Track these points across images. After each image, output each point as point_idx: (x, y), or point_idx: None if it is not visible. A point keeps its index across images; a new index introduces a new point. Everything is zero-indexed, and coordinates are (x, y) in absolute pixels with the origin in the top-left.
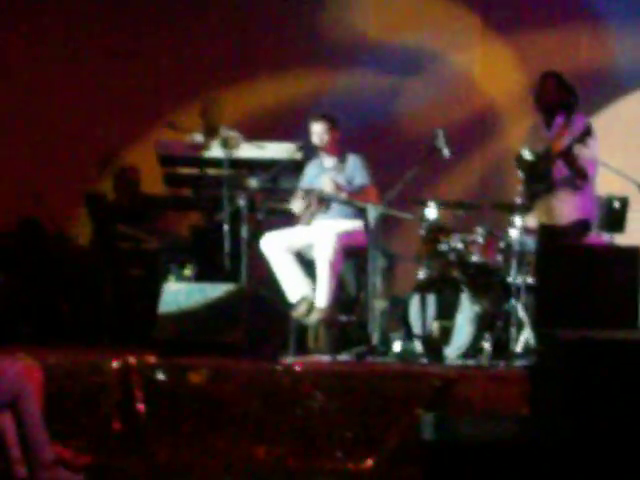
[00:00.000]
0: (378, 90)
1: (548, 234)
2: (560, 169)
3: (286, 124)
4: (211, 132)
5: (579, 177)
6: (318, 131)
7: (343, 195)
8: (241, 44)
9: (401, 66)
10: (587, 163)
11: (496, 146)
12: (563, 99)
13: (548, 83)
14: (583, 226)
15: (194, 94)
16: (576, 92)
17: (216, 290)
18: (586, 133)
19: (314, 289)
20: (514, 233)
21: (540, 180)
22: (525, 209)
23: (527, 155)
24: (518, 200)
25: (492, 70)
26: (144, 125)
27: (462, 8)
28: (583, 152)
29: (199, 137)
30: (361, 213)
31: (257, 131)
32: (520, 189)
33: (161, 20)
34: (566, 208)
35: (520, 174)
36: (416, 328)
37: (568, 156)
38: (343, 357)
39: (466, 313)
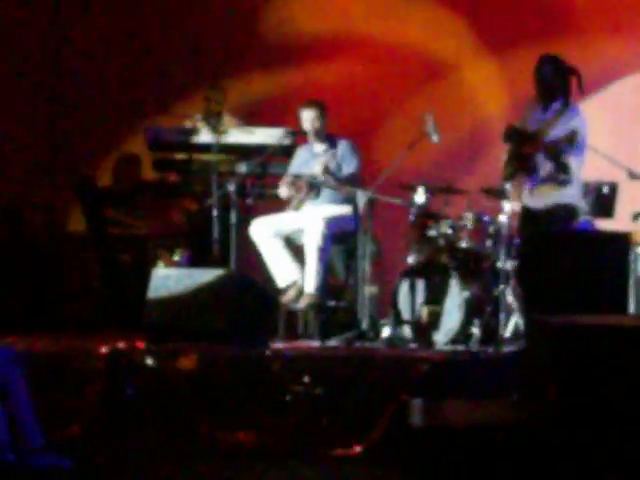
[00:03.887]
0: (365, 79)
1: (531, 218)
2: (543, 160)
3: (276, 114)
4: (212, 117)
5: (561, 172)
6: (308, 117)
7: (331, 179)
8: (230, 34)
9: (388, 55)
10: (572, 159)
11: (485, 130)
12: (560, 84)
13: (544, 68)
14: (568, 211)
15: (188, 82)
16: (577, 73)
17: (205, 275)
18: (572, 138)
19: (303, 274)
20: (503, 218)
21: (520, 162)
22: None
23: (518, 130)
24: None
25: (482, 56)
26: (136, 111)
27: (453, 24)
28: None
29: (190, 122)
30: (350, 198)
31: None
32: (503, 159)
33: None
34: (548, 193)
35: (506, 144)
36: (405, 313)
37: (553, 151)
38: (332, 342)
39: (455, 298)
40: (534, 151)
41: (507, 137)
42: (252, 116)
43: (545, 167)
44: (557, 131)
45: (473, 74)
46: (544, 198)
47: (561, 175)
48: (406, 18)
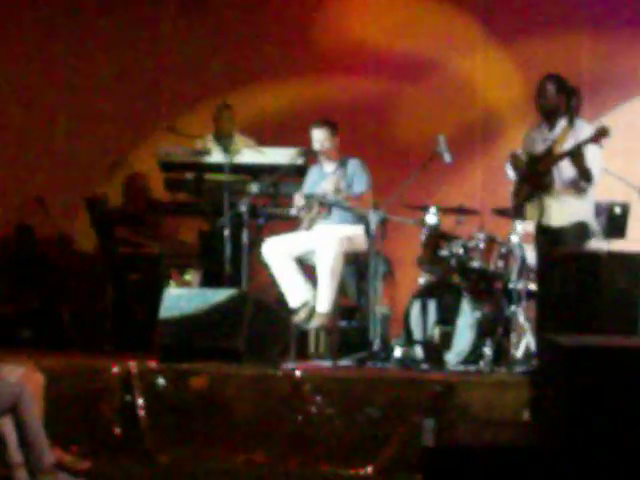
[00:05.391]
0: (377, 97)
1: (546, 235)
2: (563, 170)
3: (286, 131)
4: (223, 137)
5: (584, 179)
6: (319, 137)
7: (342, 196)
8: (242, 50)
9: (401, 73)
10: (593, 165)
11: (497, 151)
12: (564, 102)
13: (547, 87)
14: (582, 230)
15: (197, 100)
16: (578, 93)
17: (217, 295)
18: (602, 133)
19: (315, 294)
20: (515, 239)
21: (536, 181)
22: (517, 213)
23: (523, 156)
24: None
25: (493, 76)
26: (146, 130)
27: (464, 15)
28: (592, 153)
29: (201, 142)
30: (362, 218)
31: (258, 137)
32: (511, 189)
33: (163, 24)
34: (564, 209)
35: (512, 174)
36: (417, 333)
37: (577, 156)
38: (344, 362)
39: (467, 319)
40: (550, 166)
41: (514, 165)
42: (263, 135)
43: (568, 173)
44: (567, 145)
45: (491, 91)
46: (561, 216)
47: (583, 182)
48: (422, 34)
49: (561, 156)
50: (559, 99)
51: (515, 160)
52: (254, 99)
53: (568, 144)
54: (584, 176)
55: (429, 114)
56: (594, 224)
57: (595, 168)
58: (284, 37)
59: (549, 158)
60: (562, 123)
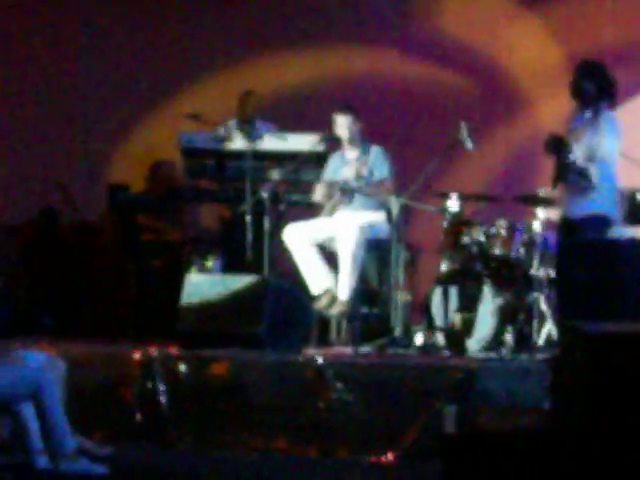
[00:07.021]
0: (399, 83)
1: (567, 227)
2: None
3: (306, 115)
4: (245, 123)
5: (582, 178)
6: (342, 123)
7: (363, 183)
8: (263, 34)
9: (425, 51)
10: (593, 167)
11: (520, 138)
12: (591, 91)
13: (576, 72)
14: (601, 221)
15: (218, 85)
16: (612, 83)
17: (238, 282)
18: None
19: (336, 281)
20: (537, 226)
21: (561, 167)
22: (539, 199)
23: (558, 138)
24: (541, 192)
25: (519, 52)
26: (168, 117)
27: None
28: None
29: (223, 128)
30: (383, 205)
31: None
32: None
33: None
34: (580, 201)
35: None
36: (438, 320)
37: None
38: (365, 349)
39: (488, 306)
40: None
41: (547, 146)
42: (282, 119)
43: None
44: (586, 140)
45: (517, 67)
46: (578, 208)
47: (582, 181)
48: (448, 11)
49: (566, 163)
50: (583, 85)
51: (547, 141)
52: (274, 82)
53: (583, 142)
54: (581, 176)
55: (452, 100)
56: (613, 213)
57: (594, 169)
58: (305, 21)
59: (564, 151)
60: (588, 114)
